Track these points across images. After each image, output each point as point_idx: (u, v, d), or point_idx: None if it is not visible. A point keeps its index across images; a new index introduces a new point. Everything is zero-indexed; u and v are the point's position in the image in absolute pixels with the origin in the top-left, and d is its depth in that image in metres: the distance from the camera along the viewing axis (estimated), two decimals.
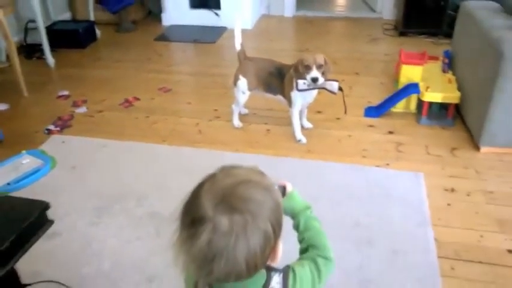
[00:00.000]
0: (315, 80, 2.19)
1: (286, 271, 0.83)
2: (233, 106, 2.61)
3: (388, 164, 2.27)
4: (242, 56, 2.50)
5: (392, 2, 4.35)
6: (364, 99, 2.90)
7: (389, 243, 1.77)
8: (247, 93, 2.52)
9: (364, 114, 2.75)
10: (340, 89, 2.26)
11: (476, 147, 2.37)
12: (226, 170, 0.75)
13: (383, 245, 1.76)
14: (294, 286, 0.82)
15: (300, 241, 0.96)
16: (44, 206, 1.16)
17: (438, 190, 2.08)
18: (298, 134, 2.48)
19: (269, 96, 2.53)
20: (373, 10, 4.74)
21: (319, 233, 0.95)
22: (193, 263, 0.67)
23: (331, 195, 2.03)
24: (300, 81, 2.23)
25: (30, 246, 1.13)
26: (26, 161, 2.28)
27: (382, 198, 2.02)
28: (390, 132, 2.56)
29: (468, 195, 2.04)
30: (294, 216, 0.98)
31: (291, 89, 2.34)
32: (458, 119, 2.63)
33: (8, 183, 2.10)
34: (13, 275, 1.29)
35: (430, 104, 2.59)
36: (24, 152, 2.35)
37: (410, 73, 2.68)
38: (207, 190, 0.70)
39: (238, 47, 2.48)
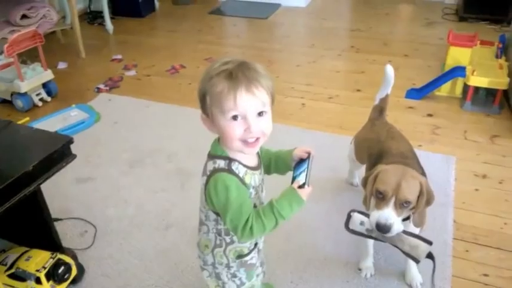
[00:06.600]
0: (381, 229, 1.21)
1: (227, 165, 1.01)
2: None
3: (420, 146, 2.21)
4: (372, 115, 1.76)
5: None
6: (409, 81, 2.81)
7: None
8: (356, 163, 1.84)
9: (406, 95, 2.67)
10: (430, 256, 1.26)
11: None
12: (245, 60, 0.98)
13: None
14: (216, 186, 0.98)
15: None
16: (68, 140, 1.28)
17: (468, 175, 2.01)
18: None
19: None
20: None
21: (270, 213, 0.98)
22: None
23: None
24: (357, 217, 1.29)
25: (54, 173, 1.24)
26: (74, 114, 2.48)
27: None
28: (429, 115, 2.48)
29: (500, 182, 1.96)
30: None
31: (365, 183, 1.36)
32: (506, 108, 2.49)
33: (55, 132, 2.29)
34: (42, 207, 1.43)
35: (477, 89, 2.48)
36: (74, 106, 2.56)
37: (458, 55, 2.56)
38: (229, 59, 0.96)
39: (376, 100, 1.76)
